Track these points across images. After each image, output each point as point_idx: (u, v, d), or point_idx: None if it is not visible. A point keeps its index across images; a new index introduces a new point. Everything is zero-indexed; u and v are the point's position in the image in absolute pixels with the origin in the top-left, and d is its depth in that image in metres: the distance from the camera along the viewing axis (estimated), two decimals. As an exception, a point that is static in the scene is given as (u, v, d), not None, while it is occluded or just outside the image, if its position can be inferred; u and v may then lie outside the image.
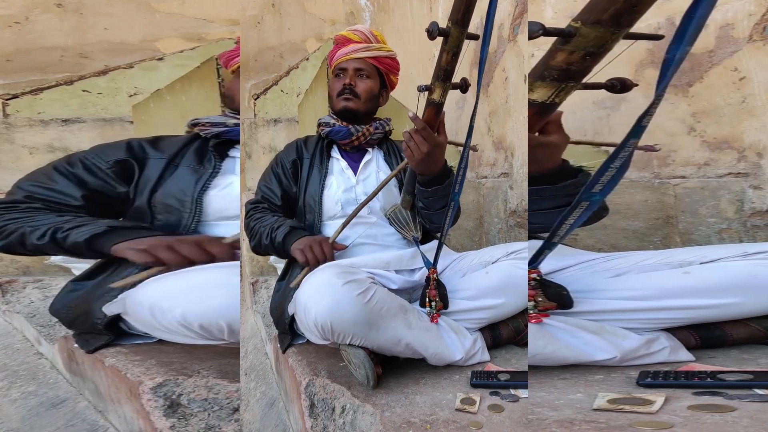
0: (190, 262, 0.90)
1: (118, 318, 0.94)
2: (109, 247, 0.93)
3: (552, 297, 0.76)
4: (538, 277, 0.76)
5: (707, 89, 1.17)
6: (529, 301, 0.76)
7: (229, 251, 0.93)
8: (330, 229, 1.17)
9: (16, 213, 0.96)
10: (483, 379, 0.80)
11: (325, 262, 1.01)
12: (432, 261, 0.99)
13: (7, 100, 1.68)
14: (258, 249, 1.15)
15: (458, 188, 0.85)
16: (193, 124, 1.21)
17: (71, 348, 1.04)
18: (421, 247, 1.10)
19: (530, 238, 0.97)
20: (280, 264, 1.59)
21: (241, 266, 1.93)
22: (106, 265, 1.02)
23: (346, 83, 1.22)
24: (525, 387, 0.76)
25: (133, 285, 0.88)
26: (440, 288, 0.96)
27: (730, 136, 1.15)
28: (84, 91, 1.74)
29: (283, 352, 1.06)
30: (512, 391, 0.76)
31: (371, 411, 0.75)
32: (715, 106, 1.17)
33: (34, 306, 1.44)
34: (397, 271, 1.09)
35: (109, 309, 0.92)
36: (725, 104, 1.15)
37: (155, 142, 1.16)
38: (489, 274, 0.97)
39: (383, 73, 1.27)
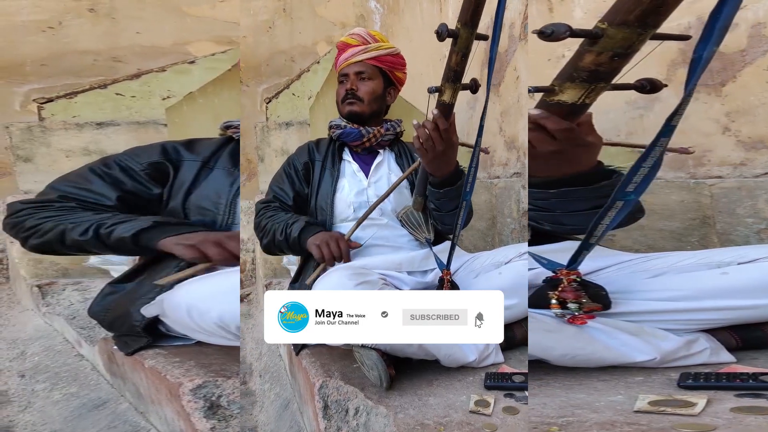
0: (237, 259, 0.88)
1: (156, 320, 0.94)
2: (155, 242, 0.91)
3: (590, 298, 0.76)
4: (578, 279, 0.76)
5: (741, 89, 1.16)
6: (572, 302, 0.75)
7: None
8: (342, 231, 1.16)
9: (50, 211, 0.95)
10: (497, 381, 0.79)
11: (341, 259, 1.00)
12: (445, 262, 0.99)
13: (42, 103, 1.72)
14: (270, 247, 1.14)
15: (469, 188, 0.85)
16: (226, 127, 1.22)
17: (111, 350, 1.05)
18: (434, 248, 1.09)
19: (566, 239, 0.96)
20: (293, 266, 1.60)
21: (254, 269, 1.95)
22: (143, 267, 1.03)
23: (348, 88, 1.22)
24: (525, 388, 0.75)
25: (179, 281, 0.87)
26: (454, 289, 0.96)
27: (765, 135, 1.13)
28: (117, 94, 1.77)
29: (297, 354, 1.05)
30: (527, 393, 0.75)
31: (385, 413, 0.74)
32: (749, 106, 1.15)
33: (74, 308, 1.44)
34: (409, 273, 1.10)
35: (148, 311, 0.92)
36: (759, 104, 1.13)
37: (189, 144, 1.17)
38: (502, 275, 0.96)
39: (386, 71, 1.25)
